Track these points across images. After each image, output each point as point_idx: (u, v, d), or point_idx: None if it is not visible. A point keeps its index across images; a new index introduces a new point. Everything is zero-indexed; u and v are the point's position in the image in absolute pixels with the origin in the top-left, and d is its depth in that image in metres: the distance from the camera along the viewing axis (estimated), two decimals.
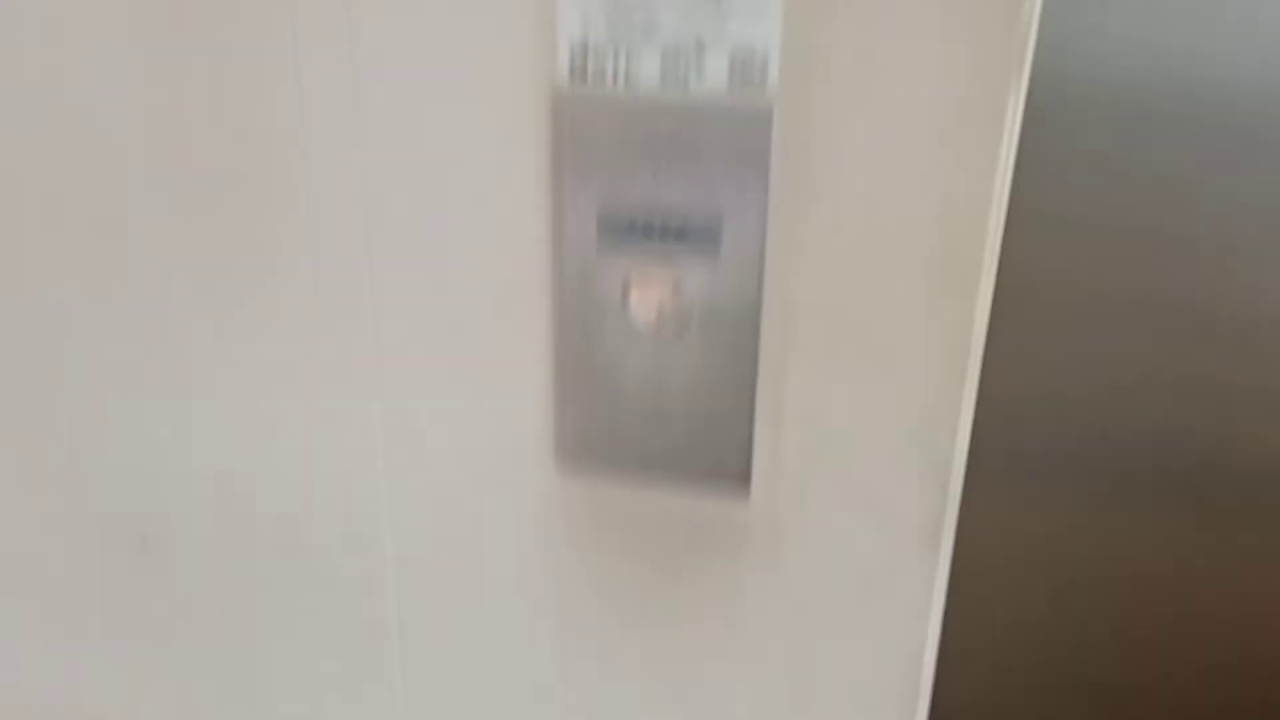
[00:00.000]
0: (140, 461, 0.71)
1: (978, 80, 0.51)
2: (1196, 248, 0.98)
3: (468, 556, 0.68)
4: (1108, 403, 1.04)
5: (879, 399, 0.58)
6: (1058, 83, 0.95)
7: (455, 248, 0.60)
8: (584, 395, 0.62)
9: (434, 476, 0.66)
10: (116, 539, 0.74)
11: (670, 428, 0.61)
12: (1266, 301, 0.98)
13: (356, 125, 0.59)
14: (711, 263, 0.57)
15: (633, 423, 0.62)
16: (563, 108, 0.56)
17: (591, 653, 0.67)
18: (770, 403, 0.60)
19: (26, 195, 0.65)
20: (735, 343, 0.59)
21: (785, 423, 0.60)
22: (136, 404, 0.69)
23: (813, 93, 0.53)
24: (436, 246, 0.60)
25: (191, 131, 0.61)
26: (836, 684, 0.64)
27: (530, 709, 0.70)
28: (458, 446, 0.65)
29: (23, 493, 0.74)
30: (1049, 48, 0.94)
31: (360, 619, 0.71)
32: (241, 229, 0.63)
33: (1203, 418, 1.02)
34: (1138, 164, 0.96)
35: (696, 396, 0.60)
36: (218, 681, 0.76)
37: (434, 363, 0.63)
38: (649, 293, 0.58)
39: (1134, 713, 1.04)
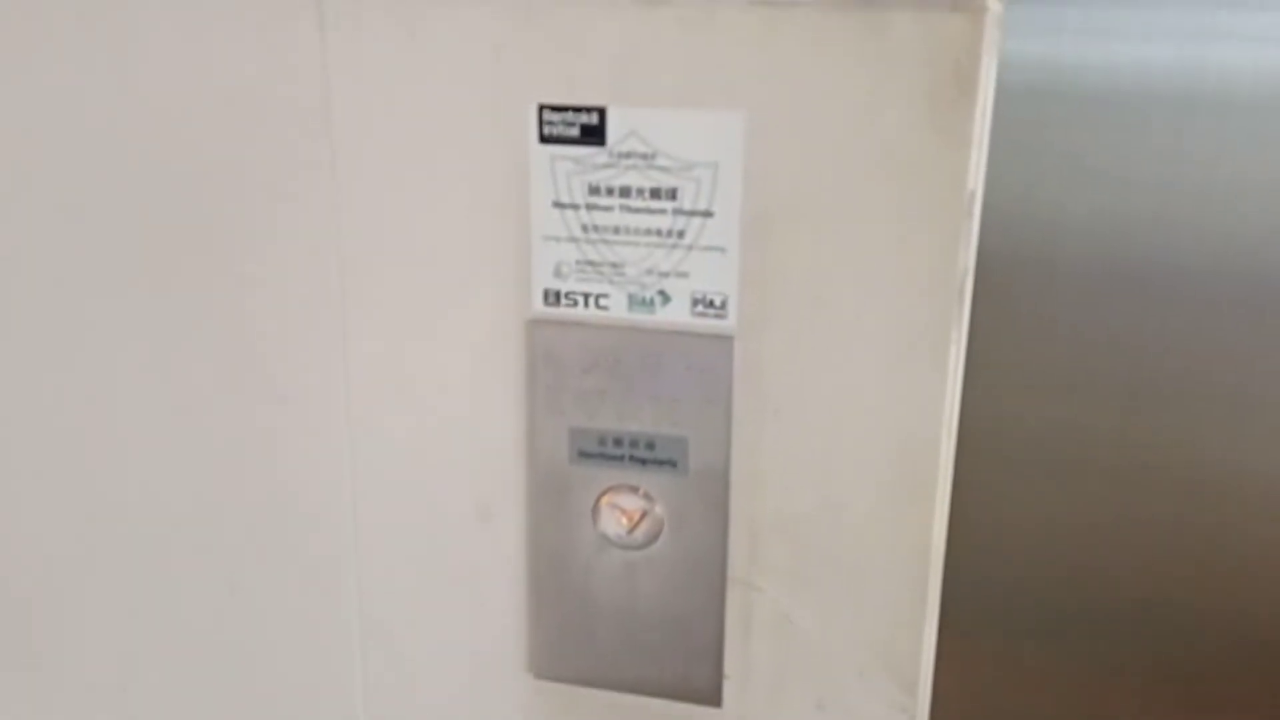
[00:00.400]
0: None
1: (923, 312, 0.54)
2: (1158, 402, 1.00)
3: None
4: (1074, 560, 1.04)
5: (844, 612, 0.59)
6: (1013, 245, 0.99)
7: (435, 461, 0.63)
8: (557, 605, 0.63)
9: (411, 685, 0.67)
10: None
11: (642, 638, 0.63)
12: (1229, 455, 1.00)
13: (344, 351, 0.62)
14: (679, 479, 0.60)
15: (605, 633, 0.63)
16: (536, 330, 0.59)
17: None
18: (740, 614, 0.61)
19: None
20: (703, 555, 0.60)
21: (754, 633, 0.61)
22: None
23: (770, 324, 0.56)
24: (416, 459, 0.63)
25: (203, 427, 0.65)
26: None
27: None
28: (435, 655, 0.66)
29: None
30: (1003, 208, 0.98)
31: None
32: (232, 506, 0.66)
33: (1179, 577, 1.02)
34: (1092, 323, 1.00)
35: (667, 607, 0.62)
36: None
37: (412, 572, 0.65)
38: (619, 506, 0.61)
39: None
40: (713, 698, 0.63)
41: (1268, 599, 1.02)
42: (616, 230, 0.57)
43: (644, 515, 0.60)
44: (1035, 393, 1.02)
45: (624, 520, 0.61)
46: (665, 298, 0.57)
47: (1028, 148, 0.97)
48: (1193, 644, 1.04)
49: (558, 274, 0.58)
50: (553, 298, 0.59)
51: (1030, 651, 1.09)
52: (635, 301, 0.57)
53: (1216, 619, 1.03)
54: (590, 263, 0.57)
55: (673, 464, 0.59)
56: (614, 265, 0.57)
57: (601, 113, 0.55)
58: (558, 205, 0.57)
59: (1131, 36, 0.93)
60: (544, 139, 0.56)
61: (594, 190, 0.56)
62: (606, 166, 0.56)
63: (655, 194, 0.55)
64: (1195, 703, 1.05)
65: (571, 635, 0.64)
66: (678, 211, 0.55)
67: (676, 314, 0.57)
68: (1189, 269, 0.98)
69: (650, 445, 0.59)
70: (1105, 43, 0.94)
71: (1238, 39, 0.92)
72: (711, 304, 0.57)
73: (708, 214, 0.55)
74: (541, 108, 0.56)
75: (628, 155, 0.55)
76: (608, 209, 0.56)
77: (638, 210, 0.56)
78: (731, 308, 0.56)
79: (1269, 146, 0.93)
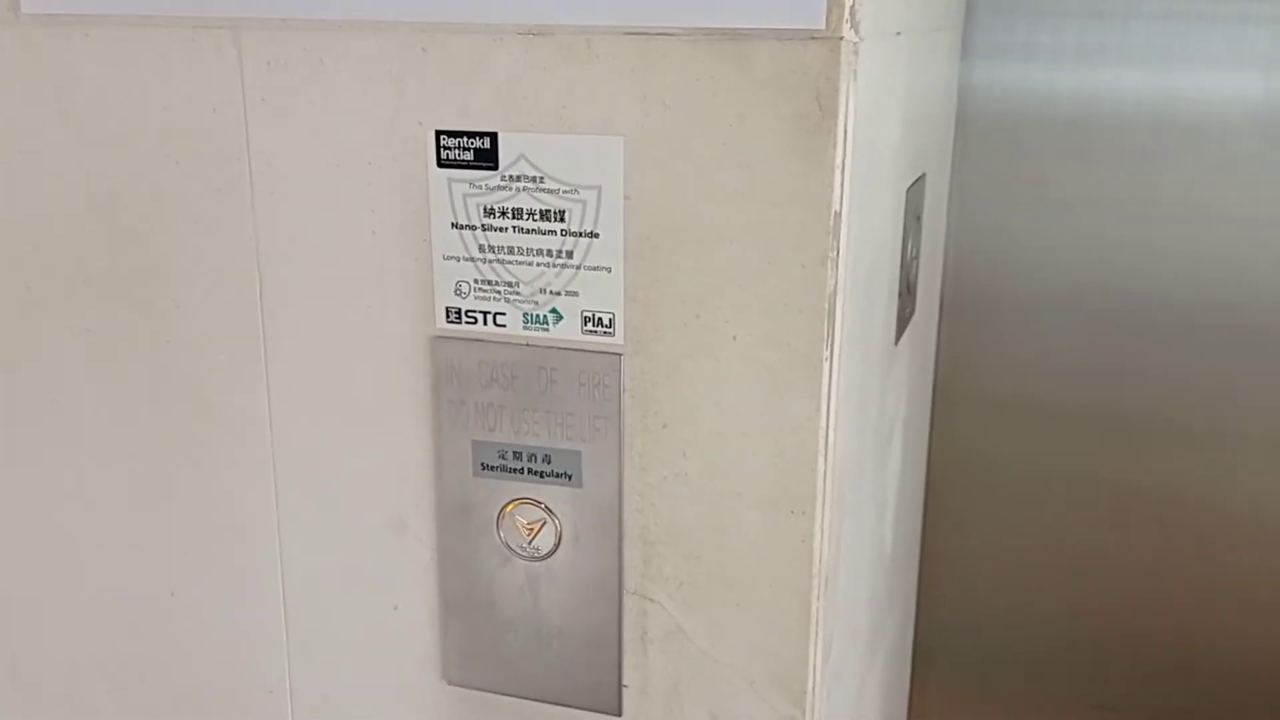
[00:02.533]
0: None
1: (796, 332, 0.55)
2: (1134, 430, 1.00)
3: None
4: (1055, 591, 1.04)
5: (733, 625, 0.61)
6: (989, 277, 1.00)
7: (351, 474, 0.65)
8: (467, 613, 0.65)
9: (336, 688, 0.70)
10: None
11: (546, 646, 0.64)
12: (1209, 481, 0.99)
13: (265, 371, 0.65)
14: (575, 491, 0.61)
15: (512, 641, 0.65)
16: (439, 347, 0.61)
17: None
18: (636, 625, 0.63)
19: None
20: (600, 567, 0.62)
21: (651, 644, 0.63)
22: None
23: (655, 342, 0.58)
24: (334, 473, 0.66)
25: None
26: None
27: None
28: (358, 659, 0.69)
29: None
30: (975, 235, 0.99)
31: None
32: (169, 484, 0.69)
33: (1162, 608, 1.02)
34: (1069, 350, 1.00)
35: (568, 617, 0.64)
36: None
37: (333, 581, 0.68)
38: (520, 519, 0.63)
39: None
40: (613, 707, 0.64)
41: (1250, 629, 1.01)
42: (511, 250, 0.59)
43: (543, 527, 0.62)
44: (1010, 422, 1.02)
45: (524, 532, 0.63)
46: (558, 315, 0.59)
47: (1000, 175, 0.98)
48: (1177, 676, 1.03)
49: (458, 292, 0.60)
50: (454, 315, 0.61)
51: (1013, 684, 1.08)
52: (530, 319, 0.60)
53: (1200, 649, 1.02)
54: (488, 282, 0.60)
55: (568, 476, 0.61)
56: (509, 284, 0.59)
57: (493, 138, 0.57)
58: (456, 226, 0.59)
59: (1104, 59, 0.94)
60: (441, 163, 0.59)
61: (489, 212, 0.59)
62: (499, 189, 0.58)
63: (545, 215, 0.58)
64: None
65: (481, 643, 0.66)
66: (566, 232, 0.58)
67: (568, 331, 0.59)
68: (1164, 295, 0.98)
69: (547, 459, 0.61)
70: (1077, 68, 0.95)
71: (1208, 62, 0.93)
72: (600, 322, 0.59)
73: (594, 235, 0.57)
74: (438, 133, 0.58)
75: (518, 178, 0.58)
76: (502, 230, 0.59)
77: (529, 231, 0.58)
78: (619, 326, 0.58)
79: (1242, 170, 0.93)
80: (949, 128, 0.93)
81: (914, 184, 0.77)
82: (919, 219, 0.81)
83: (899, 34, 0.63)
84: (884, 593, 0.85)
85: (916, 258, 0.82)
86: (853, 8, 0.51)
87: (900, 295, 0.77)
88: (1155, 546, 1.02)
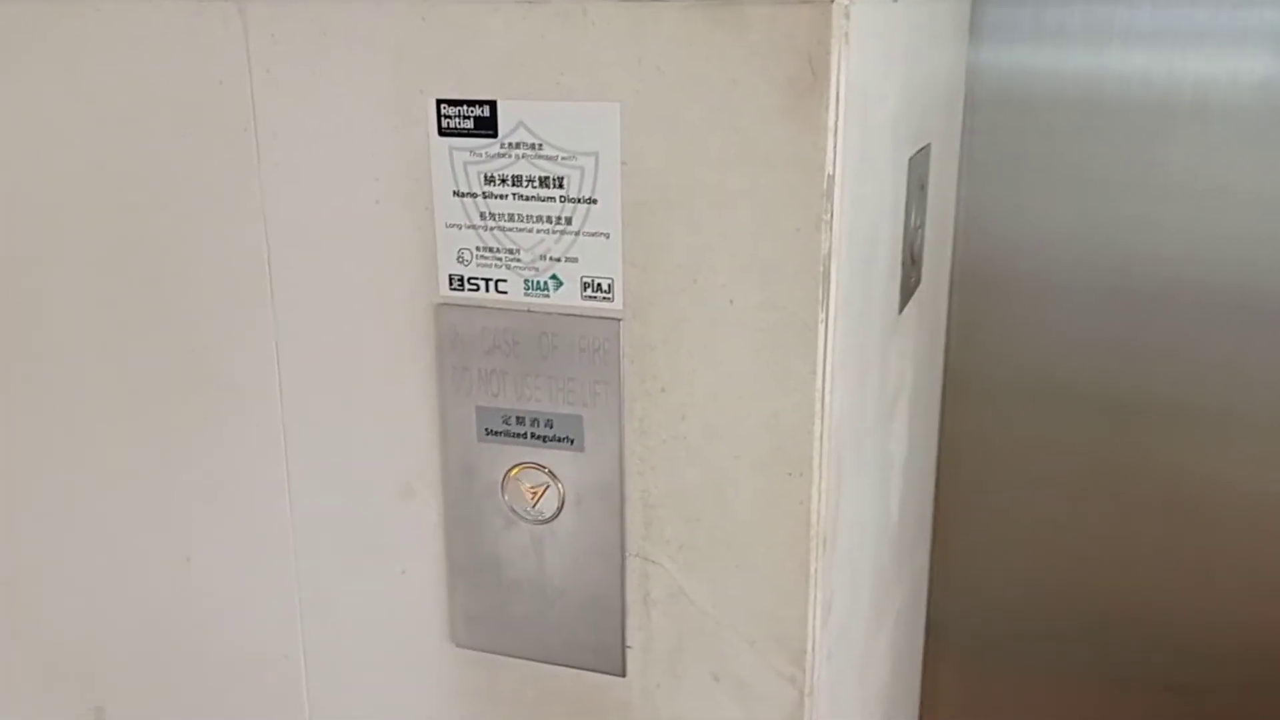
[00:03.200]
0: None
1: (790, 294, 0.56)
2: (1143, 410, 1.00)
3: None
4: (1062, 571, 1.05)
5: (733, 586, 0.62)
6: (999, 255, 1.01)
7: (359, 441, 0.67)
8: (473, 577, 0.66)
9: (348, 651, 0.71)
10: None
11: (550, 610, 0.66)
12: (1214, 460, 1.00)
13: (275, 340, 0.66)
14: (577, 455, 0.62)
15: (517, 603, 0.66)
16: (442, 314, 0.62)
17: None
18: (639, 586, 0.64)
19: None
20: (602, 529, 0.63)
21: (653, 606, 0.64)
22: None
23: (653, 306, 0.59)
24: (343, 440, 0.67)
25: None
26: None
27: None
28: (368, 623, 0.70)
29: None
30: (983, 215, 1.00)
31: None
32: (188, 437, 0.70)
33: (1168, 588, 1.02)
34: (1079, 328, 1.00)
35: (572, 579, 0.65)
36: None
37: (344, 547, 0.69)
38: (524, 483, 0.64)
39: None
40: (617, 668, 0.65)
41: (1266, 606, 1.01)
42: (511, 217, 0.60)
43: (546, 490, 0.63)
44: (1020, 401, 1.03)
45: (528, 495, 0.64)
46: (558, 282, 0.60)
47: (1009, 153, 0.98)
48: (1191, 650, 1.03)
49: (460, 260, 0.61)
50: (457, 283, 0.62)
51: (1028, 659, 1.09)
52: (530, 286, 0.61)
53: (1213, 625, 1.03)
54: (489, 249, 0.61)
55: (570, 441, 0.62)
56: (510, 251, 0.60)
57: (492, 106, 0.58)
58: (457, 194, 0.60)
59: (1111, 38, 0.94)
60: (442, 132, 0.60)
61: (489, 179, 0.60)
62: (499, 156, 0.59)
63: (544, 182, 0.59)
64: (1188, 715, 1.04)
65: (487, 606, 0.67)
66: (565, 199, 0.59)
67: (568, 297, 0.60)
68: (1171, 275, 0.98)
69: (549, 423, 0.62)
70: (1084, 47, 0.95)
71: (1216, 41, 0.93)
72: (599, 287, 0.59)
73: (592, 201, 0.58)
74: (439, 102, 0.59)
75: (517, 145, 0.58)
76: (502, 197, 0.60)
77: (529, 198, 0.59)
78: (617, 291, 0.59)
79: (1246, 151, 0.93)
80: (957, 103, 0.93)
81: (917, 153, 0.77)
82: (923, 189, 0.81)
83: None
84: (890, 561, 0.85)
85: (921, 228, 0.82)
86: None
87: (904, 264, 0.78)
88: (1169, 523, 1.03)
